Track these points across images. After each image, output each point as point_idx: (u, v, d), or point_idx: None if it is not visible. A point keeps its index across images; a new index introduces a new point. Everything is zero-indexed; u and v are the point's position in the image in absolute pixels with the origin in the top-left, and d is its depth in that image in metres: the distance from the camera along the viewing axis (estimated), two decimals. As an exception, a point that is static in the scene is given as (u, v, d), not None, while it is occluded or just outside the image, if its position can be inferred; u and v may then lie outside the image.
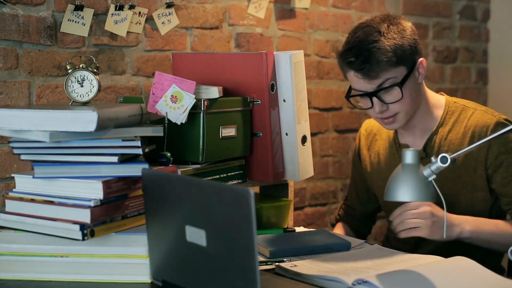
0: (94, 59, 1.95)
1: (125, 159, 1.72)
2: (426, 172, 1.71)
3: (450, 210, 1.89)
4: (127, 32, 2.34)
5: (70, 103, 1.89)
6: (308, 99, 2.24)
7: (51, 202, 1.70)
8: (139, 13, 2.36)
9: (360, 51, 2.00)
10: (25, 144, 1.72)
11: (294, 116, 2.14)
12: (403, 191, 1.71)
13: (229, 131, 2.08)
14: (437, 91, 3.33)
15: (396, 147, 2.19)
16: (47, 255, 1.69)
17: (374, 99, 2.03)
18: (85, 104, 1.88)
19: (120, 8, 2.30)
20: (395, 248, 1.98)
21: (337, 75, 2.98)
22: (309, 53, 2.89)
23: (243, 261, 1.38)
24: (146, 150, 1.76)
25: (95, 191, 1.67)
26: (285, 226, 2.22)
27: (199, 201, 1.48)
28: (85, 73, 1.88)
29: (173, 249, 1.57)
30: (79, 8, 2.21)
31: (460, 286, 1.64)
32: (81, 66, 1.89)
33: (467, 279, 1.67)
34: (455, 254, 1.84)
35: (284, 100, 2.14)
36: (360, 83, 2.04)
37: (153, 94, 1.98)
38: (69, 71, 1.88)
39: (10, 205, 1.75)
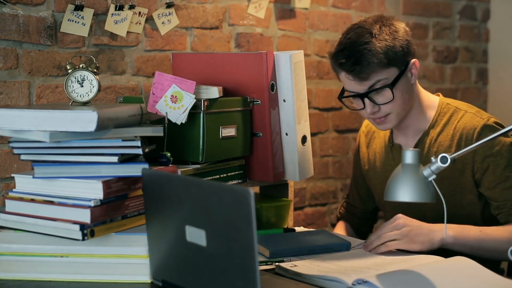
0: (94, 59, 1.95)
1: (125, 159, 1.72)
2: (426, 172, 1.71)
3: (440, 213, 1.86)
4: (127, 32, 2.34)
5: (70, 103, 1.89)
6: (308, 99, 2.25)
7: (51, 202, 1.70)
8: (139, 13, 2.36)
9: (351, 53, 2.00)
10: (25, 144, 1.72)
11: (294, 116, 2.14)
12: (403, 191, 1.71)
13: (229, 131, 2.08)
14: (437, 91, 3.34)
15: (390, 147, 2.20)
16: (47, 255, 1.68)
17: (366, 100, 2.04)
18: (85, 104, 1.88)
19: (120, 8, 2.30)
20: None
21: (337, 75, 2.98)
22: (309, 53, 2.89)
23: (243, 261, 1.38)
24: (146, 150, 1.76)
25: (95, 191, 1.67)
26: (285, 226, 2.22)
27: (199, 201, 1.48)
28: (85, 73, 1.88)
29: (173, 249, 1.57)
30: (79, 8, 2.21)
31: (460, 286, 1.64)
32: (81, 66, 1.89)
33: (467, 279, 1.67)
34: (455, 254, 1.84)
35: (284, 100, 2.14)
36: (351, 84, 2.04)
37: (153, 94, 1.98)
38: (69, 71, 1.88)
39: (10, 205, 1.75)
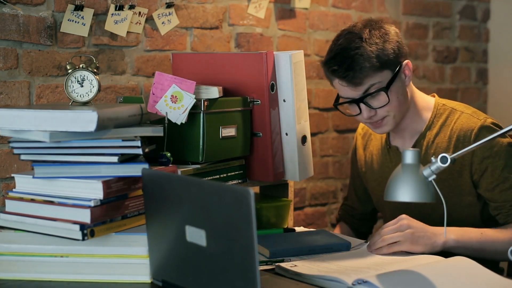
0: (94, 59, 1.95)
1: (125, 159, 1.72)
2: (426, 172, 1.71)
3: (439, 214, 1.86)
4: (127, 32, 2.34)
5: (70, 103, 1.89)
6: (308, 99, 2.25)
7: (51, 202, 1.70)
8: (139, 13, 2.36)
9: (343, 59, 2.00)
10: (25, 144, 1.72)
11: (294, 116, 2.14)
12: (403, 191, 1.71)
13: (229, 131, 2.08)
14: (437, 91, 3.34)
15: (388, 149, 2.19)
16: (47, 255, 1.68)
17: (362, 105, 2.03)
18: (85, 104, 1.88)
19: (120, 8, 2.30)
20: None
21: (337, 75, 2.98)
22: (309, 53, 2.89)
23: (243, 261, 1.38)
24: (146, 150, 1.76)
25: (95, 191, 1.67)
26: (285, 226, 2.22)
27: (199, 201, 1.48)
28: (85, 73, 1.88)
29: (173, 249, 1.57)
30: (79, 8, 2.21)
31: (460, 286, 1.64)
32: (81, 66, 1.89)
33: (467, 279, 1.67)
34: (455, 254, 1.84)
35: (284, 100, 2.14)
36: (346, 90, 2.04)
37: (153, 94, 1.98)
38: (69, 71, 1.88)
39: (10, 205, 1.75)
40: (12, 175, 1.81)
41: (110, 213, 1.70)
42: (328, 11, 2.95)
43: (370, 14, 3.07)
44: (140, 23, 2.37)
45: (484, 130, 2.04)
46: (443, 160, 1.70)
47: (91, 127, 1.68)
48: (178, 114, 1.96)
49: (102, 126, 1.70)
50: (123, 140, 1.72)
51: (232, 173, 2.13)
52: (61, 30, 2.21)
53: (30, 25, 2.16)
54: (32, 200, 1.72)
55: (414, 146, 2.12)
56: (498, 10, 3.57)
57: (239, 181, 2.15)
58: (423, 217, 1.97)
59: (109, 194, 1.68)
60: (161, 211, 1.58)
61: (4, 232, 1.73)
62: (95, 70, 1.89)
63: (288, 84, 2.12)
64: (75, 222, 1.65)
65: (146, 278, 1.67)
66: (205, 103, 2.00)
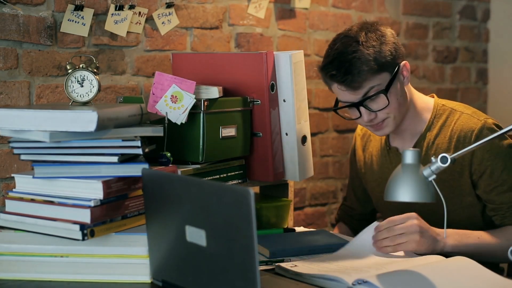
0: (94, 59, 1.95)
1: (125, 159, 1.72)
2: (426, 172, 1.71)
3: (439, 214, 1.86)
4: (127, 32, 2.34)
5: (70, 103, 1.89)
6: (308, 99, 2.25)
7: (51, 202, 1.70)
8: (139, 13, 2.36)
9: (340, 63, 2.00)
10: (25, 144, 1.72)
11: (294, 116, 2.14)
12: (403, 191, 1.71)
13: (229, 131, 2.08)
14: (437, 91, 3.34)
15: (387, 150, 2.19)
16: (47, 255, 1.68)
17: (361, 108, 2.03)
18: (85, 104, 1.88)
19: (120, 8, 2.30)
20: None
21: (337, 75, 2.98)
22: (309, 53, 2.89)
23: (243, 261, 1.38)
24: (146, 150, 1.76)
25: (95, 191, 1.67)
26: (285, 226, 2.22)
27: (199, 201, 1.48)
28: (85, 73, 1.88)
29: (173, 249, 1.57)
30: (79, 8, 2.21)
31: (460, 286, 1.64)
32: (81, 66, 1.89)
33: (467, 279, 1.67)
34: (455, 254, 1.84)
35: (284, 100, 2.14)
36: (345, 94, 2.03)
37: (153, 94, 1.98)
38: (69, 71, 1.88)
39: (10, 205, 1.74)
40: (12, 175, 1.81)
41: (110, 213, 1.70)
42: (328, 11, 2.95)
43: (370, 14, 3.07)
44: (140, 23, 2.37)
45: (485, 131, 2.04)
46: (443, 160, 1.70)
47: (91, 127, 1.68)
48: (178, 114, 1.96)
49: (102, 126, 1.70)
50: (123, 140, 1.72)
51: (232, 173, 2.13)
52: (61, 30, 2.21)
53: (30, 25, 2.16)
54: (32, 200, 1.72)
55: (414, 147, 2.12)
56: (498, 10, 3.57)
57: (239, 181, 2.15)
58: (423, 217, 1.97)
59: (109, 194, 1.68)
60: (161, 211, 1.58)
61: (4, 232, 1.73)
62: (95, 70, 1.89)
63: (288, 84, 2.12)
64: (75, 222, 1.65)
65: (146, 278, 1.67)
66: (205, 103, 2.00)
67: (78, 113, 1.68)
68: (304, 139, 2.19)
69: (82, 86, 1.88)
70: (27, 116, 1.69)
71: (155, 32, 2.43)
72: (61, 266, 1.68)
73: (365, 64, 1.98)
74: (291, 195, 2.29)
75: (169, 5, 2.42)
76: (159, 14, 2.41)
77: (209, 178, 2.04)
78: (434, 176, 1.70)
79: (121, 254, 1.68)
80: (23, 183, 1.75)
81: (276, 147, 2.16)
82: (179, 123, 1.97)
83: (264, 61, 2.10)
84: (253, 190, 1.35)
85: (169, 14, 2.43)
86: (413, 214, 1.90)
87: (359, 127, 2.34)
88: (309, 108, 2.41)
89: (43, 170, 1.70)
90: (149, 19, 2.40)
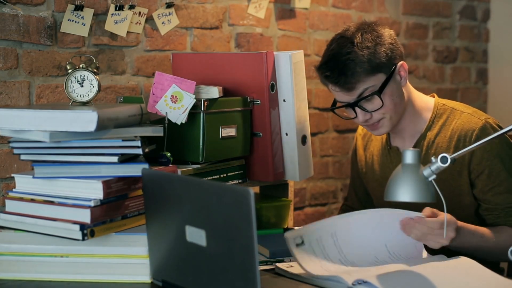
0: (94, 59, 1.95)
1: (125, 159, 1.72)
2: (426, 172, 1.71)
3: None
4: (127, 32, 2.34)
5: (70, 103, 1.89)
6: (308, 99, 2.25)
7: (51, 202, 1.70)
8: (139, 13, 2.36)
9: (334, 64, 2.00)
10: (25, 144, 1.72)
11: (294, 116, 2.14)
12: (403, 191, 1.71)
13: (229, 131, 2.08)
14: (437, 91, 3.34)
15: (388, 150, 2.19)
16: (47, 255, 1.69)
17: (357, 109, 2.03)
18: (85, 104, 1.88)
19: (120, 8, 2.30)
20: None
21: (337, 75, 2.98)
22: (309, 53, 2.89)
23: (243, 261, 1.38)
24: (146, 150, 1.76)
25: (95, 191, 1.67)
26: (285, 226, 2.22)
27: (199, 201, 1.48)
28: (85, 73, 1.88)
29: (173, 249, 1.57)
30: (79, 8, 2.21)
31: (460, 286, 1.64)
32: (81, 66, 1.89)
33: (467, 279, 1.67)
34: (455, 254, 1.84)
35: (284, 100, 2.14)
36: (340, 95, 2.04)
37: (153, 94, 1.98)
38: (69, 71, 1.88)
39: (10, 205, 1.75)
40: (12, 175, 1.81)
41: (110, 213, 1.70)
42: (328, 11, 2.95)
43: (370, 14, 3.07)
44: (140, 23, 2.37)
45: (485, 130, 2.04)
46: (443, 160, 1.69)
47: (91, 127, 1.68)
48: (178, 114, 1.96)
49: (102, 126, 1.70)
50: (123, 140, 1.72)
51: (232, 173, 2.13)
52: (61, 30, 2.21)
53: (30, 25, 2.16)
54: (32, 200, 1.72)
55: (414, 147, 2.12)
56: (498, 10, 3.57)
57: (239, 181, 2.15)
58: None
59: (109, 194, 1.68)
60: (161, 211, 1.58)
61: (4, 232, 1.73)
62: (95, 70, 1.89)
63: (288, 84, 2.12)
64: (75, 222, 1.65)
65: (146, 278, 1.67)
66: (205, 103, 2.00)
67: (78, 113, 1.68)
68: (304, 139, 2.19)
69: (82, 86, 1.88)
70: (27, 116, 1.69)
71: (155, 32, 2.43)
72: (61, 266, 1.68)
73: (358, 66, 1.98)
74: (291, 195, 2.29)
75: (169, 5, 2.43)
76: (159, 14, 2.41)
77: (209, 178, 2.04)
78: (434, 176, 1.70)
79: (121, 254, 1.68)
80: (23, 183, 1.75)
81: (276, 147, 2.16)
82: (179, 123, 1.97)
83: (264, 61, 2.10)
84: (253, 190, 1.35)
85: (169, 14, 2.43)
86: (453, 218, 1.83)
87: (360, 127, 2.35)
88: (309, 108, 2.41)
89: (43, 170, 1.70)
90: (149, 19, 2.40)
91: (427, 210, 1.82)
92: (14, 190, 1.75)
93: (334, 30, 2.95)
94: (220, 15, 2.60)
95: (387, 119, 2.06)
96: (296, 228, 1.87)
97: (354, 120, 2.08)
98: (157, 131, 1.85)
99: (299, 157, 2.17)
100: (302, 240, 1.76)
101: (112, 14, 2.30)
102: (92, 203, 1.65)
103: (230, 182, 2.12)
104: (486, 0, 3.57)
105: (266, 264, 1.81)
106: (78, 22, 2.23)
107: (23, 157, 1.73)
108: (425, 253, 1.85)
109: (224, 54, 2.28)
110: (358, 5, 3.04)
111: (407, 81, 2.09)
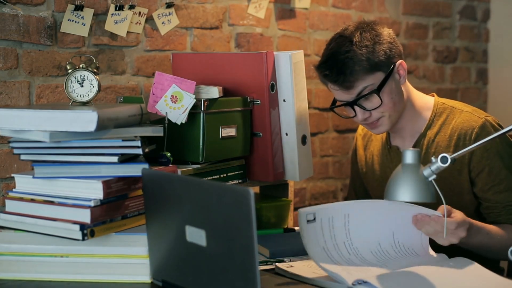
0: (94, 59, 1.95)
1: (125, 159, 1.72)
2: (426, 172, 1.71)
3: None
4: (127, 32, 2.34)
5: (70, 103, 1.89)
6: (308, 99, 2.25)
7: (51, 202, 1.70)
8: (139, 13, 2.36)
9: (333, 63, 2.01)
10: (25, 144, 1.72)
11: (294, 116, 2.14)
12: (403, 191, 1.71)
13: (229, 131, 2.08)
14: (437, 91, 3.34)
15: (388, 149, 2.20)
16: (47, 255, 1.69)
17: (356, 107, 2.04)
18: (85, 104, 1.88)
19: (120, 8, 2.30)
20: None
21: (337, 75, 2.98)
22: (309, 53, 2.89)
23: (243, 261, 1.38)
24: (146, 150, 1.76)
25: (95, 191, 1.67)
26: (285, 226, 2.22)
27: (199, 201, 1.48)
28: (85, 73, 1.89)
29: (173, 249, 1.57)
30: (79, 8, 2.21)
31: (460, 286, 1.64)
32: (81, 66, 1.89)
33: (467, 279, 1.67)
34: (455, 254, 1.84)
35: (284, 100, 2.14)
36: (339, 94, 2.05)
37: (153, 94, 1.98)
38: (69, 71, 1.88)
39: (10, 205, 1.75)
40: (12, 175, 1.81)
41: (110, 213, 1.70)
42: (328, 11, 2.95)
43: (370, 14, 3.07)
44: (140, 23, 2.37)
45: (485, 129, 2.04)
46: (443, 160, 1.69)
47: (91, 127, 1.68)
48: (178, 114, 1.96)
49: (102, 126, 1.70)
50: (123, 140, 1.72)
51: (232, 173, 2.13)
52: (61, 30, 2.21)
53: (30, 25, 2.16)
54: (32, 200, 1.72)
55: (414, 146, 2.13)
56: (498, 10, 3.57)
57: (239, 181, 2.15)
58: None
59: (109, 194, 1.68)
60: (161, 211, 1.58)
61: (4, 232, 1.73)
62: (95, 70, 1.89)
63: (288, 84, 2.12)
64: (75, 222, 1.65)
65: (146, 278, 1.67)
66: (205, 103, 2.00)
67: (78, 113, 1.68)
68: (304, 139, 2.19)
69: (82, 86, 1.88)
70: (27, 116, 1.69)
71: (155, 32, 2.43)
72: (61, 266, 1.68)
73: (357, 64, 1.98)
74: (291, 195, 2.29)
75: (169, 5, 2.43)
76: (159, 14, 2.41)
77: (209, 178, 2.04)
78: (434, 176, 1.70)
79: (121, 254, 1.68)
80: (23, 183, 1.75)
81: (276, 147, 2.16)
82: (179, 123, 1.97)
83: (264, 61, 2.10)
84: (253, 190, 1.36)
85: (169, 14, 2.43)
86: (465, 223, 1.82)
87: (360, 127, 2.35)
88: (309, 108, 2.41)
89: (43, 170, 1.70)
90: (149, 19, 2.40)
91: (443, 208, 1.80)
92: (14, 190, 1.75)
93: (334, 30, 2.93)
94: (220, 15, 2.60)
95: (386, 117, 2.06)
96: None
97: (353, 118, 2.09)
98: (157, 131, 1.85)
99: (299, 157, 2.17)
100: (314, 217, 1.76)
101: (112, 14, 2.30)
102: (92, 203, 1.65)
103: (230, 182, 2.12)
104: (486, 0, 3.57)
105: (266, 264, 1.81)
106: (78, 22, 2.23)
107: (23, 157, 1.73)
108: (430, 250, 1.84)
109: (224, 54, 2.28)
110: (358, 5, 3.04)
111: (406, 80, 2.10)
